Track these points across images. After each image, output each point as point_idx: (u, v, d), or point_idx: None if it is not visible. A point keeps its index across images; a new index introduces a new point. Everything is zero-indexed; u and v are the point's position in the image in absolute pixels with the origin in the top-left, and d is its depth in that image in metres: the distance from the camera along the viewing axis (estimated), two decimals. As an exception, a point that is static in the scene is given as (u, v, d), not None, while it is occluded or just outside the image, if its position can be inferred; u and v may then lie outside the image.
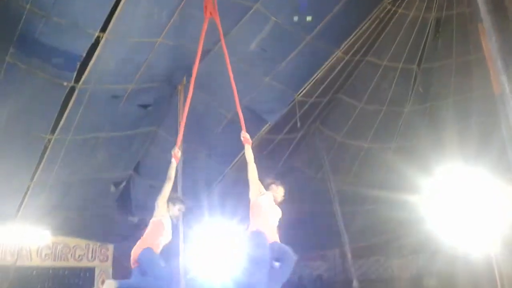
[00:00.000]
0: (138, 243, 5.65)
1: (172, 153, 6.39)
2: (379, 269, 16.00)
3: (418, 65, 11.86)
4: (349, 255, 13.34)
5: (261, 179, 6.19)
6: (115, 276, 13.62)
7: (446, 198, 10.51)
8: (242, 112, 11.33)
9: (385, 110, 12.84)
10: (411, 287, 15.08)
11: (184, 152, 11.70)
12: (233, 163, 12.35)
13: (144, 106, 10.61)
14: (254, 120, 11.69)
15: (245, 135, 6.62)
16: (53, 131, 10.00)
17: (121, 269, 13.61)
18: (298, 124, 11.85)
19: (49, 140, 10.11)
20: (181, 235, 11.57)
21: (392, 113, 12.97)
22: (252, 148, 12.54)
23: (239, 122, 11.29)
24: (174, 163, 6.34)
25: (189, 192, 12.52)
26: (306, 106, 11.74)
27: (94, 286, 13.27)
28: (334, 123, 13.25)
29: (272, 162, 13.35)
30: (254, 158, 12.10)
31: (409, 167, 12.26)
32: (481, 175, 9.31)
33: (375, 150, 13.54)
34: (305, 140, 13.31)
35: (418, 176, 11.24)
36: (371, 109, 12.76)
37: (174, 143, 11.73)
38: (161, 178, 12.63)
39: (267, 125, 11.77)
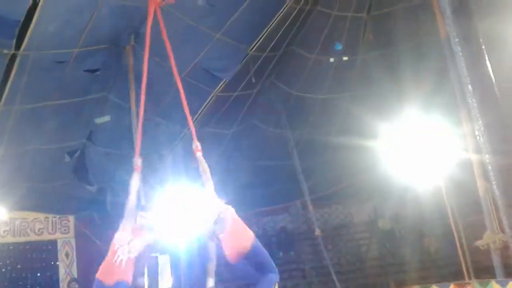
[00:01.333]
0: None
1: (133, 165, 5.86)
2: (340, 216, 16.58)
3: (368, 13, 11.91)
4: (310, 206, 13.73)
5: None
6: (78, 248, 13.48)
7: (400, 142, 10.85)
8: (196, 71, 11.22)
9: (338, 60, 12.93)
10: (368, 230, 15.78)
11: (137, 117, 11.58)
12: (194, 119, 12.21)
13: (92, 71, 10.22)
14: (209, 78, 11.54)
15: (197, 145, 6.31)
16: (-1, 98, 9.58)
17: (84, 240, 13.49)
18: (253, 80, 11.79)
19: (-5, 107, 9.67)
20: (142, 198, 11.55)
21: (346, 63, 13.09)
22: (209, 107, 12.53)
23: (192, 80, 11.21)
24: (136, 176, 5.75)
25: (149, 153, 12.41)
26: (260, 61, 11.67)
27: (58, 259, 13.11)
28: (289, 77, 13.25)
29: (230, 121, 13.33)
30: (212, 117, 12.09)
31: (365, 114, 12.52)
32: (434, 118, 9.64)
33: (331, 100, 13.71)
34: (261, 96, 13.28)
35: (373, 122, 11.52)
36: (324, 60, 12.81)
37: (128, 109, 11.57)
38: (116, 145, 12.50)
39: (222, 82, 11.65)
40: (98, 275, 5.33)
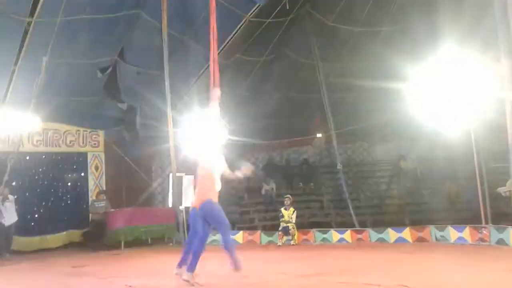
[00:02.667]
0: None
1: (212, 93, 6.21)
2: (363, 153, 16.65)
3: None
4: (334, 140, 13.77)
5: None
6: (107, 162, 14.02)
7: (431, 83, 10.54)
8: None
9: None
10: (390, 169, 15.81)
11: (170, 38, 11.55)
12: (221, 48, 12.11)
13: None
14: (242, 1, 11.29)
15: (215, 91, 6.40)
16: (32, 13, 9.63)
17: (112, 155, 13.98)
18: (287, 6, 11.48)
19: (29, 23, 9.77)
20: (169, 121, 11.80)
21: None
22: (240, 33, 12.30)
23: (225, 3, 10.97)
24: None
25: (177, 79, 12.50)
26: (296, -13, 11.30)
27: (88, 171, 13.69)
28: (325, 6, 12.84)
29: (261, 47, 13.16)
30: (243, 41, 11.91)
31: (398, 54, 12.12)
32: (470, 56, 9.24)
33: (366, 35, 13.29)
34: (295, 25, 12.98)
35: (406, 63, 11.15)
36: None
37: (158, 27, 11.46)
38: (147, 64, 12.56)
39: (256, 6, 11.38)
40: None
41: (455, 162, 14.22)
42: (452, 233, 9.76)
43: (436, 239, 10.03)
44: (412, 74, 10.69)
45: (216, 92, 6.31)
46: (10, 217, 10.86)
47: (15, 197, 11.31)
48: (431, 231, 10.21)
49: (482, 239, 9.17)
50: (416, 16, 12.28)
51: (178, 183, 12.42)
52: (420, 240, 10.18)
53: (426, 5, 12.09)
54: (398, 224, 11.98)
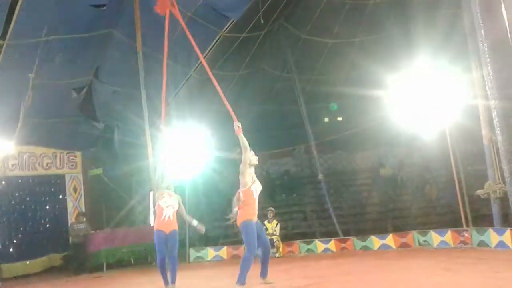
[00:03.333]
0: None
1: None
2: (343, 162, 16.75)
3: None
4: (314, 151, 13.86)
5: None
6: (85, 183, 13.79)
7: (406, 91, 10.74)
8: (204, 10, 10.94)
9: (350, 3, 12.60)
10: (370, 177, 15.96)
11: (145, 57, 11.50)
12: (197, 64, 12.13)
13: (98, 6, 10.04)
14: (216, 18, 11.33)
15: (238, 125, 6.56)
16: (3, 36, 9.50)
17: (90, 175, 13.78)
18: (262, 21, 11.57)
19: (0, 46, 9.62)
20: (148, 139, 11.68)
21: (358, 6, 12.76)
22: (215, 48, 12.31)
23: (199, 19, 10.99)
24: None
25: (155, 97, 12.41)
26: (269, 1, 11.39)
27: (66, 193, 13.45)
28: (299, 19, 12.99)
29: (237, 63, 13.20)
30: (218, 58, 11.95)
31: (373, 62, 12.34)
32: (442, 65, 9.48)
33: (340, 46, 13.48)
34: (269, 38, 13.08)
35: (380, 71, 11.35)
36: (336, 2, 12.49)
37: (133, 46, 11.38)
38: (122, 83, 12.46)
39: (230, 22, 11.44)
40: (156, 227, 6.86)
41: (433, 166, 14.51)
42: (434, 237, 9.87)
43: (419, 244, 10.13)
44: (387, 82, 10.90)
45: (238, 125, 6.56)
46: None
47: None
48: (414, 236, 10.31)
49: (464, 242, 9.32)
50: (389, 27, 12.56)
51: (159, 201, 12.26)
52: (404, 246, 10.26)
53: (399, 15, 12.36)
54: (381, 231, 12.08)
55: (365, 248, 10.74)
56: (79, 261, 11.75)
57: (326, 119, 15.61)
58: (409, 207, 14.15)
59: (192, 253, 12.09)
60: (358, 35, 13.45)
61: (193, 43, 7.77)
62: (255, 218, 6.34)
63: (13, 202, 12.34)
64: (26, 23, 9.42)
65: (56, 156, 13.27)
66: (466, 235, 9.37)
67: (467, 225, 9.58)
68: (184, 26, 7.86)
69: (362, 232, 12.11)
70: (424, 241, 10.08)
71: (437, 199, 14.11)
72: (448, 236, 9.62)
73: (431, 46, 10.84)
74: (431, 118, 10.37)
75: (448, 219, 12.32)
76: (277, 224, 11.66)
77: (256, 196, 6.40)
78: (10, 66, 10.03)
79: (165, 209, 6.86)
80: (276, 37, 13.35)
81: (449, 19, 11.28)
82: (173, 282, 6.78)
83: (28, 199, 12.66)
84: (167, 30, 7.82)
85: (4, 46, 9.70)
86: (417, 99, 10.53)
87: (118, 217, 13.21)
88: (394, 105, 11.36)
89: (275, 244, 11.30)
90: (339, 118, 15.80)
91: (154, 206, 11.99)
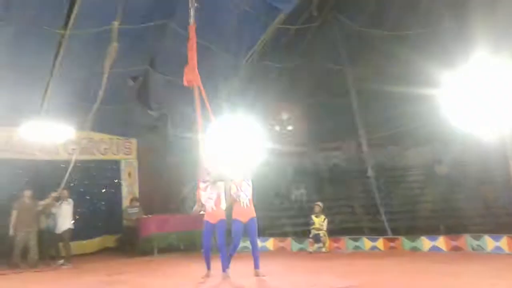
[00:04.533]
0: None
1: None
2: (394, 158, 16.33)
3: None
4: (364, 146, 13.60)
5: None
6: (140, 169, 14.29)
7: (464, 88, 10.30)
8: (256, 2, 10.94)
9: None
10: (423, 174, 15.48)
11: (198, 47, 11.67)
12: (248, 55, 12.18)
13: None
14: (269, 9, 11.30)
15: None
16: (65, 26, 9.91)
17: (145, 162, 14.25)
18: (314, 13, 11.42)
19: (63, 35, 10.06)
20: (200, 128, 11.89)
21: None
22: (267, 40, 12.29)
23: (252, 11, 11.01)
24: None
25: (207, 87, 12.60)
26: (323, -7, 11.24)
27: (121, 178, 14.01)
28: (352, 11, 12.70)
29: (288, 55, 13.13)
30: (271, 50, 11.92)
31: (428, 58, 11.89)
32: (502, 63, 8.99)
33: (394, 39, 13.07)
34: (322, 30, 12.90)
35: (436, 69, 10.93)
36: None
37: (186, 36, 11.59)
38: (177, 73, 12.72)
39: (282, 14, 11.37)
40: (205, 218, 7.46)
41: (490, 166, 13.82)
42: (488, 242, 9.50)
43: (472, 248, 9.76)
44: (443, 78, 10.48)
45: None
46: (63, 222, 10.74)
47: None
48: (466, 239, 9.94)
49: (520, 249, 8.90)
50: (446, 18, 12.03)
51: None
52: (455, 249, 9.93)
53: (455, 7, 11.80)
54: (433, 231, 11.75)
55: (415, 249, 10.48)
56: (131, 243, 12.25)
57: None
58: (463, 208, 13.61)
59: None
60: (413, 28, 12.99)
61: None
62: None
63: (72, 184, 12.95)
64: (87, 13, 9.80)
65: (112, 142, 13.83)
66: (522, 241, 8.95)
67: (524, 231, 9.16)
68: (204, 96, 8.66)
69: (412, 231, 11.80)
70: (478, 245, 9.71)
71: (493, 200, 13.49)
72: (504, 241, 9.22)
73: (490, 38, 10.28)
74: (490, 115, 9.91)
75: (504, 222, 11.78)
76: (324, 219, 11.60)
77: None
78: (71, 54, 10.50)
79: (207, 201, 7.45)
80: (329, 29, 13.14)
81: (509, 6, 10.62)
82: (223, 269, 7.30)
83: (86, 182, 13.27)
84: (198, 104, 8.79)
85: (67, 35, 10.16)
86: (475, 95, 10.09)
87: (171, 206, 13.58)
88: (450, 102, 10.95)
89: (321, 239, 11.27)
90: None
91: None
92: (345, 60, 13.23)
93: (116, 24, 9.97)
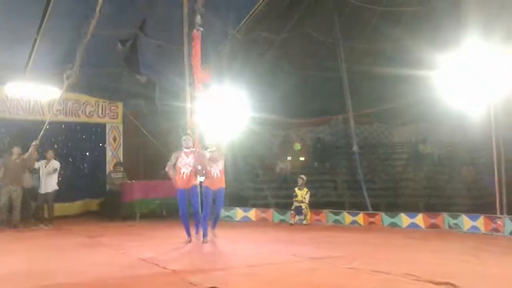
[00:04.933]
0: None
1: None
2: (380, 135, 16.48)
3: None
4: (351, 121, 13.64)
5: None
6: (125, 133, 14.18)
7: (454, 70, 10.33)
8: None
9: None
10: (407, 152, 15.66)
11: (190, 14, 11.45)
12: (240, 24, 12.00)
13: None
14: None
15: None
16: (53, -16, 9.64)
17: (130, 127, 14.14)
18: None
19: (50, -5, 9.78)
20: (188, 96, 11.80)
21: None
22: (260, 9, 12.08)
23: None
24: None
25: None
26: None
27: (106, 142, 13.91)
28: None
29: (281, 26, 12.97)
30: (263, 20, 11.73)
31: (421, 38, 11.86)
32: (493, 47, 9.00)
33: (389, 16, 12.98)
34: (316, 3, 12.72)
35: (427, 49, 10.90)
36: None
37: (180, 2, 11.36)
38: (168, 38, 12.50)
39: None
40: (177, 186, 7.66)
41: (475, 148, 14.02)
42: (465, 221, 9.70)
43: (449, 226, 9.97)
44: (434, 59, 10.48)
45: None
46: (48, 183, 10.64)
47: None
48: (444, 218, 10.13)
49: (496, 229, 9.11)
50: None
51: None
52: (433, 226, 10.13)
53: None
54: (413, 208, 11.96)
55: (393, 225, 10.68)
56: (114, 208, 12.28)
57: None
58: (444, 187, 13.86)
59: (221, 212, 12.34)
60: (410, 5, 12.89)
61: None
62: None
63: (55, 146, 12.85)
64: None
65: (98, 105, 13.69)
66: (499, 222, 9.15)
67: (502, 212, 9.35)
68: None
69: (393, 208, 12.01)
70: (455, 223, 9.92)
71: (474, 181, 13.74)
72: (480, 221, 9.42)
73: (483, 21, 10.27)
74: (479, 98, 9.99)
75: (482, 203, 12.03)
76: (307, 192, 11.71)
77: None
78: (59, 14, 10.22)
79: (182, 168, 7.59)
80: (324, 2, 12.97)
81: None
82: (204, 235, 7.64)
83: (69, 144, 13.20)
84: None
85: (54, -5, 9.88)
86: (465, 77, 10.14)
87: (154, 170, 13.56)
88: (439, 82, 10.99)
89: (303, 211, 11.41)
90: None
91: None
92: (338, 34, 13.10)
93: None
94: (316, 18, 13.21)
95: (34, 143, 10.33)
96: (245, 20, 11.87)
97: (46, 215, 10.72)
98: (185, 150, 7.77)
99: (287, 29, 13.05)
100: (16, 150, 10.36)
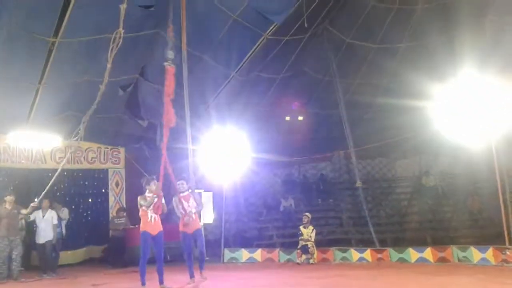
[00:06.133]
0: None
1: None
2: (383, 169, 16.47)
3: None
4: (353, 157, 13.66)
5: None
6: (127, 178, 14.17)
7: (451, 101, 10.45)
8: (248, 12, 11.01)
9: (396, 8, 12.37)
10: (411, 186, 15.60)
11: (189, 56, 11.70)
12: (239, 66, 12.23)
13: (146, 7, 10.28)
14: (260, 20, 11.37)
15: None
16: (56, 34, 9.87)
17: (133, 171, 14.12)
18: (305, 24, 11.51)
19: (53, 43, 10.00)
20: (189, 138, 11.89)
21: (404, 12, 12.51)
22: (258, 51, 12.35)
23: (244, 22, 11.09)
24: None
25: (195, 97, 12.62)
26: (314, 5, 11.33)
27: (108, 187, 13.88)
28: (343, 23, 12.84)
29: (279, 65, 13.20)
30: (261, 61, 11.94)
31: (417, 71, 12.07)
32: (488, 77, 9.15)
33: (384, 51, 13.23)
34: (312, 42, 13.00)
35: (424, 82, 11.08)
36: (382, 7, 12.28)
37: (179, 47, 11.60)
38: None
39: (274, 25, 11.45)
40: (142, 228, 7.49)
41: (477, 178, 13.99)
42: (475, 253, 9.57)
43: (459, 259, 9.82)
44: (432, 91, 10.62)
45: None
46: (44, 233, 10.44)
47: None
48: (453, 251, 10.00)
49: (505, 261, 8.97)
50: (435, 33, 12.25)
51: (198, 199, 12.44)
52: (442, 260, 9.97)
53: (445, 22, 12.03)
54: (420, 242, 11.80)
55: (402, 260, 10.51)
56: (117, 254, 12.09)
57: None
58: (450, 219, 13.75)
59: (227, 253, 12.21)
60: (403, 41, 13.18)
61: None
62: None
63: (58, 193, 12.81)
64: (77, 22, 9.76)
65: (100, 151, 13.72)
66: (508, 253, 9.02)
67: (510, 243, 9.22)
68: None
69: (400, 243, 11.88)
70: (464, 257, 9.77)
71: (479, 212, 13.64)
72: (489, 253, 9.30)
73: (479, 54, 10.49)
74: (478, 128, 10.06)
75: (490, 233, 11.90)
76: (312, 230, 11.58)
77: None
78: (61, 62, 10.44)
79: (149, 212, 7.52)
80: (319, 41, 13.25)
81: (497, 26, 10.88)
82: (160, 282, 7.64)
83: (72, 191, 13.13)
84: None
85: (57, 43, 10.11)
86: (463, 109, 10.24)
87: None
88: (438, 114, 11.08)
89: (309, 250, 11.24)
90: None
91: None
92: (335, 71, 13.32)
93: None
94: (312, 57, 13.45)
95: (33, 204, 10.14)
96: (243, 62, 12.12)
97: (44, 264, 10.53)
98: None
99: (285, 69, 13.26)
100: (9, 198, 9.86)
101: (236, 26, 11.22)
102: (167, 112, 8.30)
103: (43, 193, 9.62)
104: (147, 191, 7.71)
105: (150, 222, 7.44)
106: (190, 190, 8.31)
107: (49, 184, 9.48)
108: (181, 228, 7.73)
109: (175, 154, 13.14)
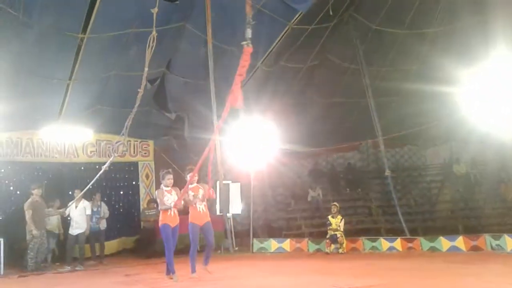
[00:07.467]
0: None
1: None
2: (412, 157, 16.24)
3: None
4: (382, 146, 13.49)
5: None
6: (157, 170, 14.39)
7: (482, 87, 10.18)
8: (272, 2, 10.96)
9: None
10: (441, 174, 15.33)
11: (214, 48, 11.75)
12: (264, 56, 12.21)
13: (172, 0, 10.37)
14: (284, 9, 11.31)
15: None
16: (84, 30, 10.06)
17: (162, 164, 14.33)
18: (331, 12, 11.39)
19: (82, 39, 10.21)
20: (216, 130, 11.98)
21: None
22: (283, 40, 12.29)
23: (268, 11, 11.02)
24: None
25: (222, 89, 12.68)
26: (339, -8, 11.20)
27: (139, 180, 14.16)
28: (369, 10, 12.63)
29: (305, 55, 13.12)
30: (287, 50, 11.86)
31: (447, 55, 11.78)
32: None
33: (412, 37, 12.96)
34: (338, 30, 12.86)
35: (456, 65, 10.80)
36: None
37: (203, 38, 11.61)
38: (193, 74, 12.80)
39: (298, 14, 11.37)
40: (162, 221, 7.71)
41: (509, 165, 13.66)
42: (508, 241, 9.36)
43: (492, 248, 9.61)
44: (462, 76, 10.37)
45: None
46: (78, 225, 10.83)
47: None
48: (486, 239, 9.80)
49: (541, 248, 8.75)
50: (465, 16, 11.90)
51: (225, 190, 12.57)
52: (474, 249, 9.78)
53: (474, 4, 11.66)
54: (451, 231, 11.61)
55: (433, 249, 10.35)
56: (149, 245, 12.33)
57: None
58: (482, 207, 13.46)
59: (256, 243, 12.29)
60: (431, 26, 12.85)
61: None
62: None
63: (91, 187, 13.09)
64: (105, 17, 9.93)
65: (130, 144, 13.97)
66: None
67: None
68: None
69: (430, 231, 11.69)
70: (497, 245, 9.56)
71: (512, 199, 13.31)
72: (524, 241, 9.08)
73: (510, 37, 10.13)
74: (509, 114, 9.79)
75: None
76: (341, 219, 11.52)
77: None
78: (90, 58, 10.65)
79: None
80: (345, 28, 13.09)
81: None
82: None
83: (104, 184, 13.42)
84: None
85: (85, 39, 10.32)
86: (495, 93, 9.98)
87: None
88: (468, 100, 10.82)
89: (338, 239, 11.21)
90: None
91: (221, 195, 12.35)
92: (362, 59, 13.13)
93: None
94: (338, 45, 13.31)
95: (62, 212, 10.68)
96: (268, 52, 12.09)
97: (78, 255, 10.85)
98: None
99: (311, 58, 13.17)
100: (37, 192, 10.14)
101: (261, 16, 11.18)
102: (234, 92, 8.05)
103: (87, 187, 10.12)
104: (163, 185, 7.86)
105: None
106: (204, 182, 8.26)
107: (95, 178, 9.88)
108: (190, 220, 7.66)
109: (202, 145, 13.31)
